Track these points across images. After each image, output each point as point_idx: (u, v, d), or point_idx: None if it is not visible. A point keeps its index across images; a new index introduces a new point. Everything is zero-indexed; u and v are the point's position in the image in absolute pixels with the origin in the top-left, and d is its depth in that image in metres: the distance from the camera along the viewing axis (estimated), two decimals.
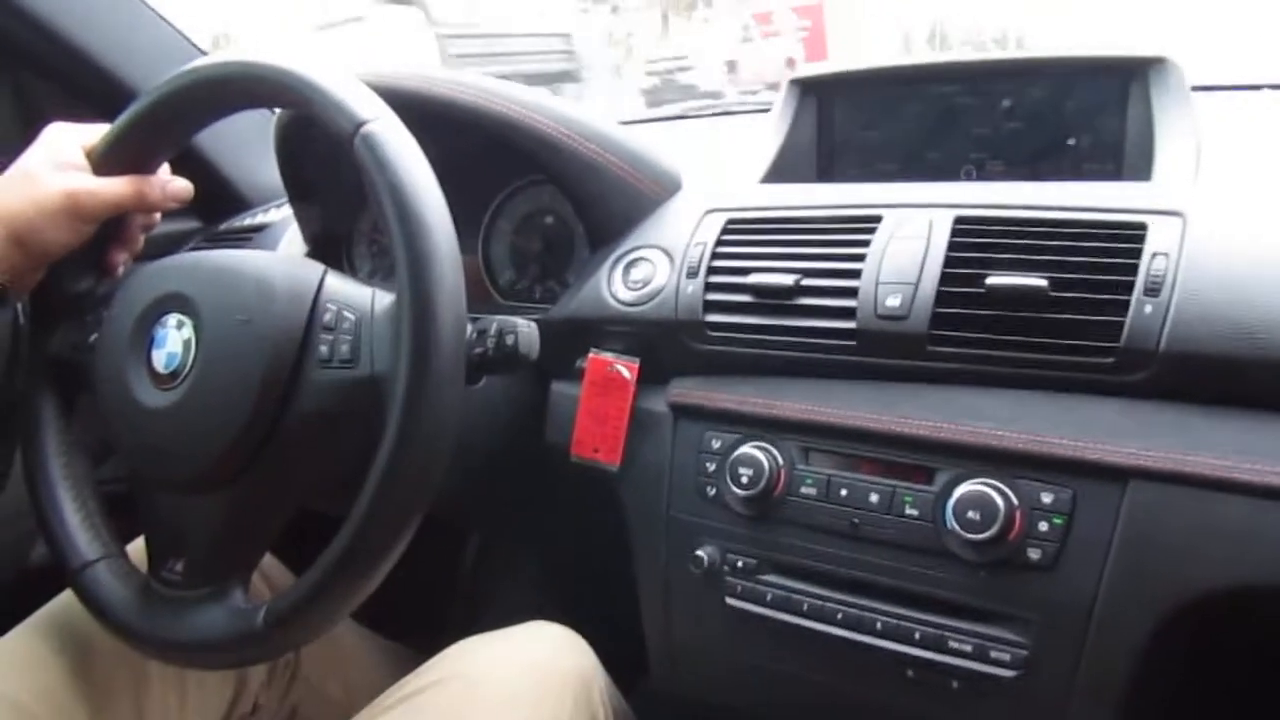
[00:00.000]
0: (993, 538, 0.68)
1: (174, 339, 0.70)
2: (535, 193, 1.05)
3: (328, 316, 0.68)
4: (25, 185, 0.74)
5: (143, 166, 0.78)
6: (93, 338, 0.77)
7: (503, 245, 1.07)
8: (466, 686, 0.74)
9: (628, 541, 0.89)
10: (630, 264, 0.90)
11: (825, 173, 1.04)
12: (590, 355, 0.89)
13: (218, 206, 1.28)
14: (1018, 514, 0.69)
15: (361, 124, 0.65)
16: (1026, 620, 0.70)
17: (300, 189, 1.07)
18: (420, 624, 1.13)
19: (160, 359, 0.70)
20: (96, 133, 0.78)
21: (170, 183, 0.81)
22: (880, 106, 1.01)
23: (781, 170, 0.99)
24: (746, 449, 0.79)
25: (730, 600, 0.81)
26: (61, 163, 0.75)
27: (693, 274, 0.85)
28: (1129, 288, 0.69)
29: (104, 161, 0.77)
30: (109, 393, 0.73)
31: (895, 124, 1.01)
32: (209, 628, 0.68)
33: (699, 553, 0.81)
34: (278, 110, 1.01)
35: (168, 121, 0.76)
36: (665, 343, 0.86)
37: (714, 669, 0.86)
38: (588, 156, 0.92)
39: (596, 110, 0.98)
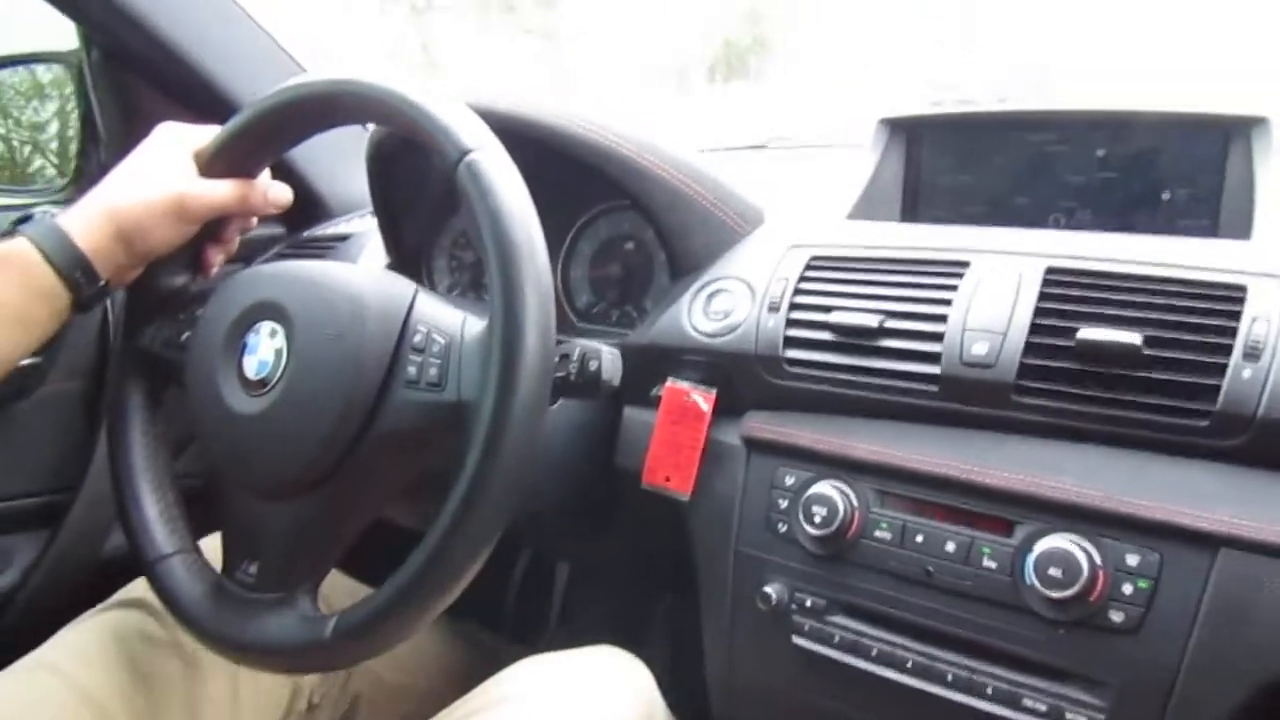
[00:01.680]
0: (1074, 596, 0.67)
1: (266, 346, 0.71)
2: (617, 218, 1.06)
3: (418, 338, 0.68)
4: (135, 184, 0.76)
5: (247, 171, 0.80)
6: (185, 336, 0.79)
7: (581, 268, 1.08)
8: (526, 708, 0.74)
9: (693, 572, 0.88)
10: (711, 295, 0.90)
11: (910, 212, 1.03)
12: (668, 384, 0.89)
13: (301, 214, 1.30)
14: (1101, 574, 0.67)
15: (467, 152, 0.66)
16: (1105, 683, 0.68)
17: (387, 202, 1.08)
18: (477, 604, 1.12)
19: (251, 365, 0.72)
20: (205, 135, 0.80)
21: (272, 188, 0.83)
22: (970, 149, 1.00)
23: (866, 208, 0.98)
24: (821, 487, 0.79)
25: (797, 640, 0.80)
26: (171, 163, 0.77)
27: (774, 308, 0.85)
28: (1227, 350, 0.68)
29: (211, 164, 0.79)
30: (199, 393, 0.74)
31: (984, 168, 1.00)
32: (278, 632, 0.69)
33: (767, 589, 0.80)
34: (370, 125, 1.03)
35: (275, 130, 0.78)
36: (742, 375, 0.86)
37: (776, 707, 0.85)
38: (675, 186, 0.92)
39: (680, 139, 0.98)
